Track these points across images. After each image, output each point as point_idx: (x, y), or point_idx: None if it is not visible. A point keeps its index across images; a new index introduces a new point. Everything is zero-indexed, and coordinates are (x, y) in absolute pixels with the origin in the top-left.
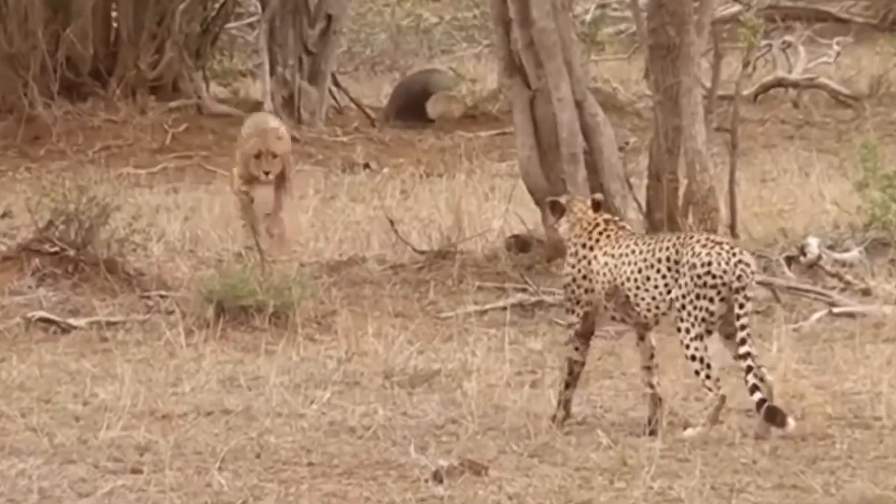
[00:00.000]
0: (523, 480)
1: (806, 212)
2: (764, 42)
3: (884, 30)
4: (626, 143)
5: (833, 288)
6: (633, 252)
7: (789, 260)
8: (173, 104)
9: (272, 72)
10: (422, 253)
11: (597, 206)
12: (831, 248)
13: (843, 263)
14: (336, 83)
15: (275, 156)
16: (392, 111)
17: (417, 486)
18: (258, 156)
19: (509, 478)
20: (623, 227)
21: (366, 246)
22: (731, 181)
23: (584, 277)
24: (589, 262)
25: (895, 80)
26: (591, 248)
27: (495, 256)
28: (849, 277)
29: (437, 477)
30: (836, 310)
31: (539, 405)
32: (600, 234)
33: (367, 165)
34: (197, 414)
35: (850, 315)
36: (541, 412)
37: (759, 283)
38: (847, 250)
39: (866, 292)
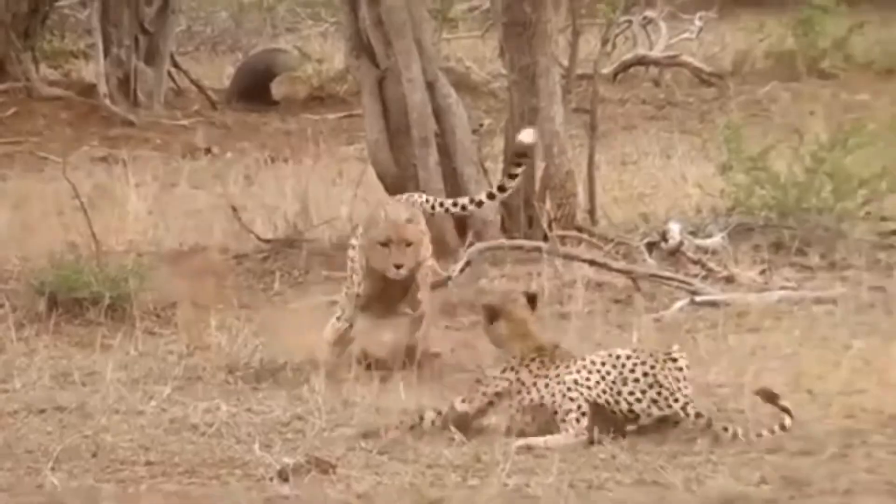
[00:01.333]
0: (372, 479)
1: (668, 196)
2: (623, 18)
3: (747, 4)
4: (481, 125)
5: (695, 275)
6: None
7: (650, 246)
8: (0, 87)
9: (106, 52)
10: (267, 241)
11: (532, 302)
12: (693, 233)
13: (706, 250)
14: (175, 64)
15: (409, 244)
16: (235, 93)
17: (262, 485)
18: (386, 244)
19: (358, 476)
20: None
21: (208, 235)
22: (591, 164)
23: (510, 395)
24: (522, 385)
25: (760, 57)
26: (532, 383)
27: (343, 244)
28: (711, 264)
29: (283, 475)
30: (698, 298)
31: (389, 400)
32: (539, 365)
33: (208, 150)
34: (28, 412)
35: (713, 304)
36: (391, 407)
37: (618, 270)
38: (710, 236)
39: (729, 280)
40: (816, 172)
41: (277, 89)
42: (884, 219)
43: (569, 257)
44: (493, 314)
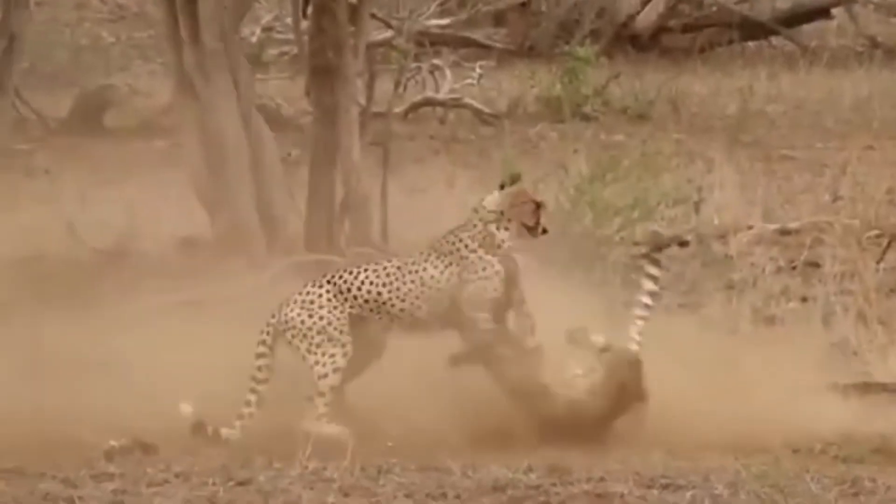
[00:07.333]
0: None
1: (450, 220)
2: (414, 65)
3: (521, 55)
4: (289, 155)
5: None
6: None
7: None
8: None
9: None
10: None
11: None
12: None
13: None
14: (18, 96)
15: None
16: (73, 122)
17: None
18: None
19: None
20: None
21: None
22: (384, 191)
23: None
24: None
25: (531, 101)
26: None
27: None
28: None
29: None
30: None
31: None
32: None
33: (47, 171)
34: None
35: None
36: None
37: None
38: None
39: None
40: (579, 202)
41: (110, 119)
42: (635, 243)
43: None
44: None
